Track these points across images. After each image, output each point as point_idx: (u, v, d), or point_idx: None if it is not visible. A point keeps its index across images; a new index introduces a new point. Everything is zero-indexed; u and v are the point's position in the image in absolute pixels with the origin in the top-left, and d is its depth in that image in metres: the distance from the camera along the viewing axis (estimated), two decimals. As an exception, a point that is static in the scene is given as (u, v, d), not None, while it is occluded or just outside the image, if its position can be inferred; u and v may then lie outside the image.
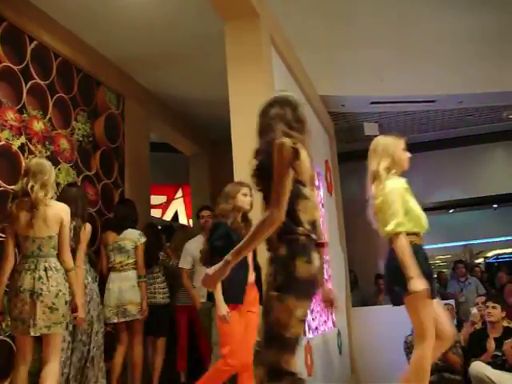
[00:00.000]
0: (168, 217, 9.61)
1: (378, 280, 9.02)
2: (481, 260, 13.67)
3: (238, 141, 4.68)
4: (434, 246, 13.40)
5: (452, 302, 7.86)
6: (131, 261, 5.34)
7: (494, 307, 5.59)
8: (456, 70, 7.41)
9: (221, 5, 4.88)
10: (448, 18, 7.58)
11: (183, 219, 9.66)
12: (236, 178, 4.66)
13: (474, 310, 6.37)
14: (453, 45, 7.52)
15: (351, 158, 9.36)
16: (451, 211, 11.82)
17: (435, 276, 10.19)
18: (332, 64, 7.09)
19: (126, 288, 5.23)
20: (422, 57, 7.39)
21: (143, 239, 5.43)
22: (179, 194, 9.81)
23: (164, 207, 9.69)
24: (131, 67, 6.65)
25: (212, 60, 5.90)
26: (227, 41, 4.92)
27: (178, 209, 9.71)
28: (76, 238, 4.60)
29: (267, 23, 5.17)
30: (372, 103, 7.53)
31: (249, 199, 4.26)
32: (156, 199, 9.08)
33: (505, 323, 5.63)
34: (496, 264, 12.87)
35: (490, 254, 13.71)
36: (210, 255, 4.07)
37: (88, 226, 4.77)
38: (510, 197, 10.64)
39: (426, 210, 11.27)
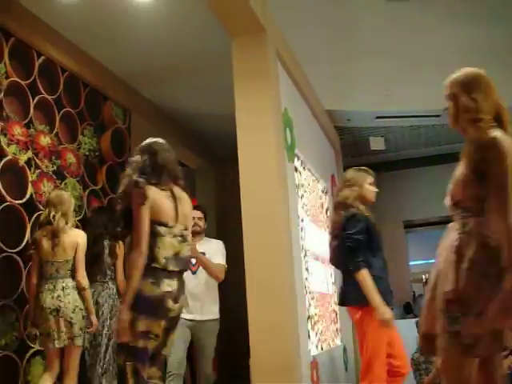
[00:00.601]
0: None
1: (384, 295, 8.96)
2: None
3: (245, 157, 4.68)
4: (431, 261, 13.34)
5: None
6: None
7: None
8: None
9: (227, 20, 4.88)
10: (454, 31, 7.59)
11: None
12: (243, 194, 4.66)
13: None
14: (459, 58, 7.42)
15: (357, 172, 9.36)
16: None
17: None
18: (338, 79, 7.10)
19: None
20: (428, 71, 7.38)
21: None
22: (185, 207, 9.77)
23: (169, 221, 9.66)
24: (138, 82, 6.67)
25: (219, 75, 5.90)
26: (234, 56, 4.92)
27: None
28: (112, 254, 4.98)
29: (274, 38, 5.19)
30: (377, 118, 7.53)
31: (374, 189, 3.91)
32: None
33: None
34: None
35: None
36: (350, 252, 3.58)
37: (121, 244, 5.05)
38: None
39: (430, 224, 11.20)
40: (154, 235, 2.99)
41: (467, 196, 2.30)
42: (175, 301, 3.00)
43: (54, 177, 5.29)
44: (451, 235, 2.37)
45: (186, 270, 3.24)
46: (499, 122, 2.32)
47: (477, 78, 2.42)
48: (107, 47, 5.86)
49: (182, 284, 3.10)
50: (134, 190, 2.97)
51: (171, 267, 3.01)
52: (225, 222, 8.05)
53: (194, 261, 4.52)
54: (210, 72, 6.22)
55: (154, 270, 2.92)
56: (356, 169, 4.00)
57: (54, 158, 5.34)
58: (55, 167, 5.34)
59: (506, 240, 2.08)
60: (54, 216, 4.30)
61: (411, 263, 11.03)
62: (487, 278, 2.12)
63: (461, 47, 7.48)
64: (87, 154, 5.91)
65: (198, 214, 4.81)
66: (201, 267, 4.58)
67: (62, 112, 5.55)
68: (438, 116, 7.64)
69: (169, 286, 2.97)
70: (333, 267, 6.70)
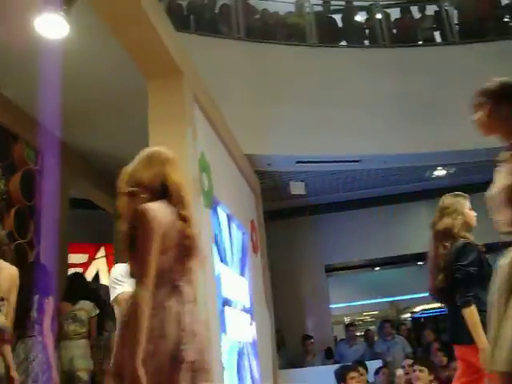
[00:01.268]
0: (89, 277, 9.20)
1: (305, 341, 8.88)
2: (407, 315, 13.81)
3: (159, 202, 4.51)
4: (362, 303, 13.49)
5: (380, 362, 7.81)
6: (84, 330, 5.53)
7: (421, 370, 5.50)
8: (380, 131, 7.56)
9: (143, 62, 4.78)
10: (372, 81, 7.79)
11: (105, 280, 9.26)
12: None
13: (399, 372, 6.31)
14: (377, 107, 7.70)
15: (278, 216, 9.35)
16: (377, 269, 11.93)
17: (362, 334, 10.22)
18: (258, 123, 7.10)
19: (78, 355, 5.37)
20: (348, 117, 7.53)
21: (97, 310, 5.67)
22: (101, 253, 9.44)
23: (85, 266, 9.29)
24: (51, 122, 6.41)
25: (136, 116, 5.74)
26: (150, 100, 4.79)
27: (100, 268, 9.32)
28: (40, 309, 4.92)
29: (191, 82, 5.10)
30: (298, 162, 7.55)
31: (474, 214, 3.62)
32: (77, 258, 8.71)
33: (431, 386, 5.56)
34: (422, 320, 13.01)
35: (416, 310, 13.88)
36: (460, 286, 3.32)
37: (51, 299, 5.00)
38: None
39: (352, 267, 11.31)
40: None
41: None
42: None
43: (-45, 221, 4.96)
44: None
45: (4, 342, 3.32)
46: (165, 193, 2.42)
47: (145, 154, 2.57)
48: (18, 86, 5.64)
49: None
50: None
51: None
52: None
53: None
54: (126, 113, 6.06)
55: None
56: (452, 195, 3.76)
57: (-46, 201, 5.01)
58: (-44, 211, 5.01)
59: (138, 309, 2.13)
60: None
61: (332, 306, 11.02)
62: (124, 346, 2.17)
63: (379, 97, 7.69)
64: (-7, 197, 5.60)
65: None
66: None
67: (-35, 152, 5.25)
68: (357, 161, 7.75)
69: None
70: (250, 317, 6.57)
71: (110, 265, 9.14)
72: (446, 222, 3.55)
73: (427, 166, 8.77)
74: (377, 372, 6.96)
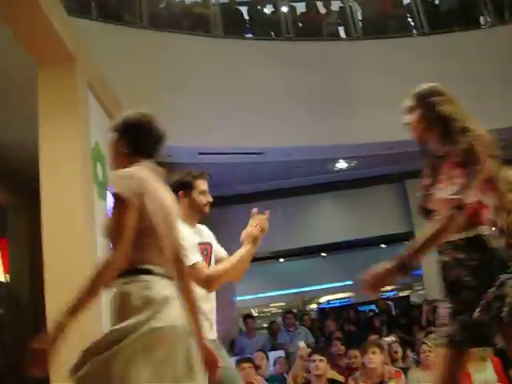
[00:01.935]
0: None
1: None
2: (314, 306, 14.06)
3: (48, 192, 4.36)
4: (268, 294, 13.63)
5: (282, 352, 7.86)
6: None
7: (320, 360, 5.54)
8: (284, 124, 7.61)
9: (33, 48, 4.56)
10: (277, 73, 7.84)
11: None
12: (45, 233, 4.32)
13: (302, 344, 6.39)
14: (281, 100, 7.74)
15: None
16: (282, 260, 12.06)
17: (267, 325, 10.28)
18: (159, 114, 6.90)
19: None
20: (252, 110, 7.53)
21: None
22: (-5, 247, 8.97)
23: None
24: None
25: (28, 102, 5.49)
26: (39, 87, 4.60)
27: (-7, 264, 8.86)
28: None
29: (85, 68, 4.91)
30: (200, 154, 7.46)
31: None
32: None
33: (329, 375, 5.63)
34: (327, 310, 13.29)
35: (321, 300, 14.16)
36: None
37: None
38: (337, 245, 11.06)
39: (257, 259, 11.36)
40: None
41: None
42: None
43: None
44: None
45: None
46: None
47: None
48: None
49: None
50: None
51: None
52: (39, 264, 7.46)
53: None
54: (17, 99, 5.73)
55: None
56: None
57: None
58: None
59: None
60: None
61: (239, 298, 11.05)
62: None
63: (284, 91, 7.74)
64: None
65: (205, 185, 3.27)
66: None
67: None
68: (259, 154, 7.77)
69: None
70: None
71: (4, 259, 8.70)
72: None
73: (330, 159, 8.92)
74: (275, 363, 7.02)
